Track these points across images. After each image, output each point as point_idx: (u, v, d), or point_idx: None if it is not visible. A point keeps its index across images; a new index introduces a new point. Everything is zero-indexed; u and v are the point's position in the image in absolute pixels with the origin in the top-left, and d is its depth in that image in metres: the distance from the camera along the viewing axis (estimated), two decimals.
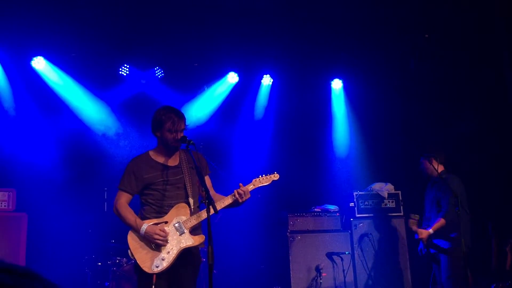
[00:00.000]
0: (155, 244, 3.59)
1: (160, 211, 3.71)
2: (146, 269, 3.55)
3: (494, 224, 6.22)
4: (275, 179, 4.00)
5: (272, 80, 7.59)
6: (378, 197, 6.86)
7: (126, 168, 3.80)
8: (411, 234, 5.96)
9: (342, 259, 6.38)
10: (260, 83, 7.61)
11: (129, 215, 3.68)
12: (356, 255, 6.57)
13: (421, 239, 5.59)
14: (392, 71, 7.48)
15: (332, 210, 6.85)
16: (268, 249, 6.92)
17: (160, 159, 3.81)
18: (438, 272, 5.63)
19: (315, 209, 6.87)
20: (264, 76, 7.55)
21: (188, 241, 3.66)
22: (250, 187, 3.87)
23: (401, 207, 6.77)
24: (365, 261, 6.59)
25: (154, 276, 3.53)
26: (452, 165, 5.91)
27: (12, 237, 5.54)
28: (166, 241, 3.60)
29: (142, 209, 3.78)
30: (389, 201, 6.88)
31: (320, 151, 7.72)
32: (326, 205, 6.94)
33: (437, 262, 5.62)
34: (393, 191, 6.89)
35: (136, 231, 3.62)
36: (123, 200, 3.73)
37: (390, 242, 6.13)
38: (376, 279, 6.54)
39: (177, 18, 6.32)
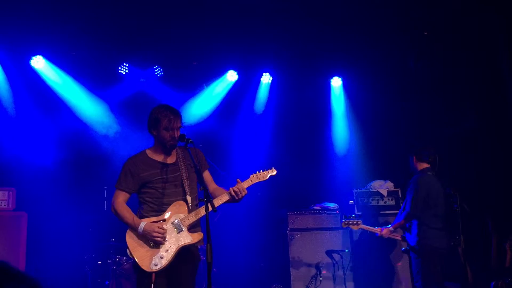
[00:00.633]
0: (154, 242, 3.59)
1: (158, 209, 3.70)
2: (144, 268, 3.55)
3: (494, 222, 6.22)
4: (273, 174, 4.00)
5: (271, 78, 7.59)
6: (378, 195, 6.87)
7: (123, 167, 3.80)
8: None
9: (341, 257, 6.40)
10: (259, 81, 7.61)
11: (127, 214, 3.68)
12: (355, 253, 6.58)
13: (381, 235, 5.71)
14: (392, 69, 7.47)
15: (331, 208, 6.85)
16: (268, 247, 6.93)
17: (157, 157, 3.81)
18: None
19: (315, 207, 6.87)
20: (264, 74, 7.55)
21: (187, 238, 3.66)
22: (248, 183, 3.87)
23: (401, 205, 6.76)
24: (365, 258, 6.59)
25: (153, 274, 3.53)
26: (452, 163, 5.92)
27: (12, 236, 5.55)
28: (165, 239, 3.60)
29: (140, 208, 3.78)
30: (388, 199, 6.88)
31: (320, 149, 7.72)
32: (326, 203, 6.95)
33: (410, 258, 5.68)
34: (392, 189, 6.90)
35: (134, 229, 3.62)
36: (121, 199, 3.73)
37: (390, 239, 6.11)
38: (375, 276, 6.54)
39: (176, 16, 6.31)
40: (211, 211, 3.36)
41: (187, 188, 3.74)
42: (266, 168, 4.07)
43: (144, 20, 6.31)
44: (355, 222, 5.84)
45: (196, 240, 3.70)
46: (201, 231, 3.75)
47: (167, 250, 3.59)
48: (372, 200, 6.87)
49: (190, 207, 3.72)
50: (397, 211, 6.68)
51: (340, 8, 6.31)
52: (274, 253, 6.83)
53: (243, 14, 6.37)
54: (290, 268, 6.37)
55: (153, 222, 3.63)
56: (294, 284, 6.34)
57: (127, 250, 3.62)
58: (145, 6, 6.12)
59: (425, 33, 6.88)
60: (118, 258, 5.73)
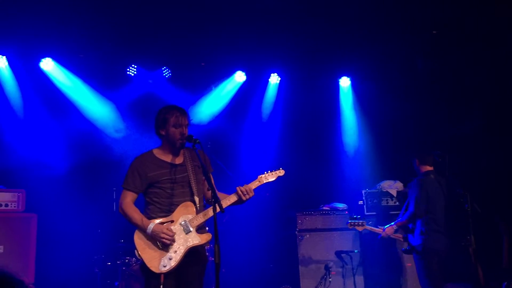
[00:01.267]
0: (162, 243, 3.58)
1: (166, 210, 3.69)
2: (153, 269, 3.54)
3: (505, 222, 6.17)
4: (281, 175, 3.99)
5: (279, 78, 7.58)
6: (387, 195, 6.83)
7: (130, 167, 3.79)
8: None
9: (351, 258, 6.36)
10: (267, 81, 7.60)
11: (135, 215, 3.67)
12: (365, 254, 6.54)
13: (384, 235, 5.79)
14: (400, 69, 7.43)
15: (340, 209, 6.83)
16: (277, 247, 6.91)
17: (165, 157, 3.81)
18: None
19: (324, 208, 6.85)
20: (272, 74, 7.54)
21: (195, 239, 3.66)
22: (256, 183, 3.87)
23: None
24: (375, 259, 6.56)
25: (162, 275, 3.52)
26: (461, 162, 5.89)
27: (22, 237, 5.58)
28: (173, 240, 3.59)
29: (147, 208, 3.76)
30: (398, 199, 6.84)
31: (328, 149, 7.69)
32: (335, 203, 6.92)
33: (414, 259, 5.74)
34: (402, 189, 6.85)
35: (143, 230, 3.61)
36: (129, 199, 3.72)
37: (400, 240, 6.07)
38: (385, 277, 6.50)
39: (184, 18, 6.32)
40: (219, 212, 3.36)
41: (194, 189, 3.74)
42: (275, 168, 4.06)
43: (152, 22, 6.33)
44: (359, 223, 5.88)
45: (204, 241, 3.69)
46: (209, 232, 3.74)
47: (175, 251, 3.59)
48: (382, 200, 6.83)
49: (198, 208, 3.72)
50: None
51: (348, 7, 6.29)
52: (283, 253, 6.81)
53: (251, 14, 6.36)
54: (299, 269, 6.36)
55: (162, 223, 3.63)
56: (303, 285, 6.32)
57: (135, 251, 3.62)
58: (153, 8, 6.13)
59: (434, 32, 6.83)
60: (127, 259, 5.74)
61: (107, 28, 6.28)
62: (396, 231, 5.84)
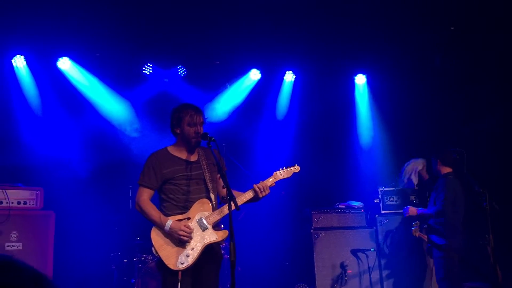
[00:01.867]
0: (180, 240, 3.59)
1: (182, 207, 3.70)
2: (171, 266, 3.55)
3: None
4: (296, 171, 3.97)
5: (294, 76, 7.55)
6: (403, 193, 6.76)
7: (146, 164, 3.81)
8: None
9: (367, 256, 6.32)
10: (282, 79, 7.58)
11: (153, 212, 3.68)
12: (381, 252, 6.49)
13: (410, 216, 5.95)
14: (417, 66, 7.35)
15: (356, 207, 6.78)
16: (292, 246, 6.89)
17: (180, 154, 3.82)
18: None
19: (339, 206, 6.81)
20: (287, 72, 7.52)
21: (212, 236, 3.66)
22: (271, 180, 3.86)
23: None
24: (391, 258, 6.50)
25: (180, 272, 3.53)
26: (478, 160, 5.82)
27: (41, 235, 5.64)
28: (191, 237, 3.60)
29: (162, 206, 3.77)
30: (414, 197, 6.77)
31: (344, 147, 7.65)
32: (350, 201, 6.88)
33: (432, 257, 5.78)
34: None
35: (160, 227, 3.63)
36: (145, 196, 3.73)
37: (416, 238, 6.02)
38: (402, 276, 6.45)
39: (199, 16, 6.33)
40: (234, 209, 3.36)
41: (209, 186, 3.75)
42: (289, 166, 4.05)
43: (168, 21, 6.35)
44: (417, 229, 5.89)
45: (221, 238, 3.70)
46: (225, 229, 3.74)
47: (193, 249, 3.59)
48: (398, 198, 6.77)
49: (214, 205, 3.73)
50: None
51: (364, 3, 6.24)
52: (299, 252, 6.79)
53: (265, 12, 6.34)
54: (315, 267, 6.33)
55: (179, 220, 3.64)
56: (319, 283, 6.29)
57: (152, 248, 3.63)
58: (168, 7, 6.15)
59: (451, 28, 6.74)
60: (144, 256, 5.78)
61: (123, 27, 6.32)
62: (420, 230, 5.84)
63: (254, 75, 7.41)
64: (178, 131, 3.80)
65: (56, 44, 6.45)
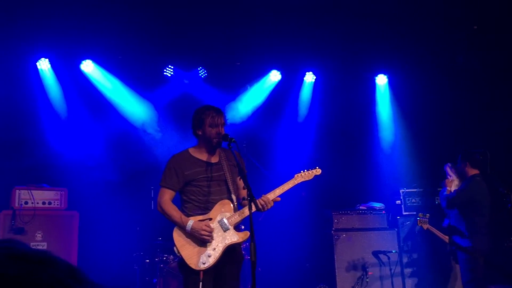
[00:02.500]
0: (201, 240, 3.62)
1: (204, 208, 3.74)
2: (192, 266, 3.58)
3: None
4: (317, 173, 3.99)
5: (315, 77, 7.53)
6: (425, 195, 6.68)
7: (167, 165, 3.85)
8: None
9: (389, 258, 6.26)
10: (302, 80, 7.56)
11: (174, 212, 3.72)
12: (403, 254, 6.43)
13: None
14: (439, 65, 7.25)
15: (377, 208, 6.73)
16: (313, 247, 6.87)
17: (201, 156, 3.85)
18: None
19: (360, 207, 6.77)
20: (307, 73, 7.50)
21: (233, 237, 3.68)
22: (292, 182, 3.88)
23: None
24: (413, 260, 6.44)
25: (201, 272, 3.56)
26: (500, 160, 5.71)
27: (65, 234, 5.75)
28: (212, 238, 3.63)
29: (183, 206, 3.81)
30: (437, 199, 6.68)
31: (365, 148, 7.60)
32: (371, 202, 6.83)
33: (457, 261, 5.65)
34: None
35: (182, 228, 3.66)
36: (167, 197, 3.78)
37: (439, 240, 5.94)
38: (425, 278, 6.37)
39: (219, 18, 6.37)
40: (255, 210, 3.37)
41: (231, 187, 3.77)
42: (311, 167, 4.06)
43: (188, 23, 6.41)
44: (425, 221, 5.85)
45: (242, 239, 3.72)
46: (246, 230, 3.76)
47: (214, 249, 3.62)
48: (420, 200, 6.70)
49: (235, 206, 3.75)
50: (446, 212, 6.51)
51: (384, 2, 6.19)
52: (319, 253, 6.77)
53: (285, 13, 6.35)
54: (336, 269, 6.30)
55: (200, 220, 3.67)
56: (340, 285, 6.26)
57: (174, 248, 3.67)
58: (189, 9, 6.21)
59: (474, 27, 6.64)
60: (165, 256, 5.83)
61: (145, 30, 6.40)
62: (444, 231, 5.76)
63: (274, 76, 7.42)
64: (199, 133, 3.84)
65: (79, 47, 6.56)
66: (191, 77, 7.24)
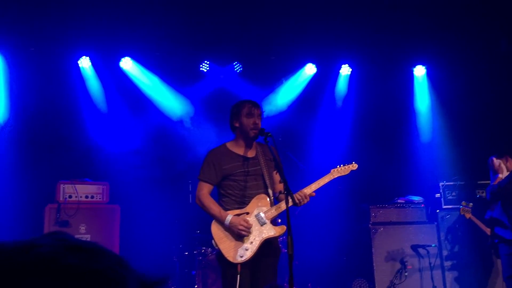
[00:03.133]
0: (239, 234, 3.69)
1: (241, 202, 3.79)
2: (230, 259, 3.64)
3: None
4: (354, 169, 3.98)
5: (351, 69, 7.46)
6: (466, 188, 6.54)
7: (205, 160, 3.91)
8: None
9: (428, 252, 6.17)
10: (338, 73, 7.50)
11: (213, 206, 3.78)
12: (443, 248, 6.32)
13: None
14: (480, 53, 7.02)
15: (416, 201, 6.63)
16: (350, 241, 6.84)
17: (238, 150, 3.90)
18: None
19: (398, 200, 6.68)
20: (343, 66, 7.43)
21: (270, 231, 3.73)
22: (329, 177, 3.89)
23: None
24: (453, 254, 6.32)
25: (239, 265, 3.62)
26: None
27: (107, 227, 5.92)
28: (250, 232, 3.69)
29: (221, 200, 3.87)
30: (479, 191, 6.53)
31: (403, 141, 7.47)
32: (410, 196, 6.73)
33: (498, 255, 5.44)
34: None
35: (220, 221, 3.73)
36: (206, 190, 3.84)
37: (480, 234, 5.82)
38: (465, 273, 6.25)
39: (253, 13, 6.40)
40: (292, 205, 3.40)
41: (267, 182, 3.81)
42: (347, 161, 4.05)
43: (223, 17, 6.46)
44: (468, 210, 5.76)
45: (279, 233, 3.75)
46: (283, 224, 3.79)
47: (251, 242, 3.67)
48: (460, 193, 6.56)
49: (271, 200, 3.79)
50: (490, 205, 6.34)
51: None
52: (357, 247, 6.73)
53: (320, 5, 6.31)
54: (373, 262, 6.26)
55: (238, 215, 3.73)
56: (378, 279, 6.21)
57: (213, 241, 3.74)
58: (223, 4, 6.26)
59: None
60: (204, 249, 5.93)
61: (181, 26, 6.49)
62: (486, 224, 5.63)
63: (310, 69, 7.39)
64: (236, 125, 3.87)
65: (118, 45, 6.72)
66: (226, 72, 7.30)
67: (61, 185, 5.86)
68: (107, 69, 6.88)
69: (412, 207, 6.58)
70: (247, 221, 3.67)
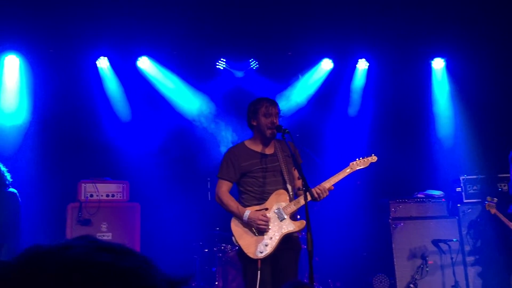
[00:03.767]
0: (258, 230, 3.70)
1: (260, 198, 3.81)
2: (250, 255, 3.67)
3: None
4: (373, 161, 3.96)
5: (368, 64, 7.40)
6: (487, 182, 6.45)
7: (224, 158, 3.95)
8: None
9: (449, 247, 6.11)
10: (355, 67, 7.45)
11: (232, 203, 3.82)
12: (465, 243, 6.25)
13: None
14: (504, 44, 6.86)
15: (437, 196, 6.56)
16: (369, 236, 6.81)
17: (256, 148, 3.92)
18: None
19: (418, 195, 6.62)
20: (360, 60, 7.38)
21: (290, 226, 3.74)
22: (347, 170, 3.88)
23: None
24: (475, 249, 6.24)
25: (259, 261, 3.65)
26: None
27: (128, 225, 5.99)
28: (268, 227, 3.70)
29: (240, 197, 3.91)
30: (501, 185, 6.43)
31: (422, 134, 7.40)
32: (430, 190, 6.66)
33: None
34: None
35: (239, 218, 3.76)
36: (224, 188, 3.88)
37: (502, 228, 5.73)
38: (487, 268, 6.17)
39: (268, 8, 6.39)
40: (310, 200, 3.40)
41: (286, 177, 3.82)
42: (366, 155, 4.03)
43: (238, 14, 6.47)
44: (493, 205, 5.67)
45: (298, 228, 3.76)
46: (302, 219, 3.80)
47: (271, 238, 3.69)
48: (482, 187, 6.46)
49: (290, 196, 3.80)
50: None
51: None
52: (376, 242, 6.70)
53: None
54: (394, 258, 6.22)
55: (257, 210, 3.75)
56: (399, 274, 6.17)
57: (233, 237, 3.77)
58: (238, 1, 6.27)
59: None
60: (223, 246, 5.96)
61: (197, 24, 6.52)
62: (509, 218, 5.54)
63: (327, 64, 7.36)
64: (254, 123, 3.90)
65: (135, 45, 6.79)
66: (243, 69, 7.31)
67: (83, 184, 5.94)
68: (124, 69, 6.95)
69: (432, 202, 6.52)
70: (265, 216, 3.69)
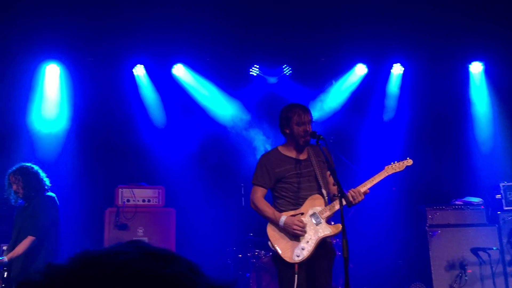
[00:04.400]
0: (294, 234, 3.70)
1: (295, 203, 3.82)
2: (287, 259, 3.67)
3: None
4: (409, 164, 3.91)
5: (403, 68, 7.30)
6: None
7: (258, 164, 3.97)
8: None
9: (489, 255, 5.93)
10: (390, 72, 7.36)
11: (267, 208, 3.84)
12: (505, 251, 6.05)
13: None
14: None
15: (475, 203, 6.39)
16: (406, 243, 6.69)
17: (290, 153, 3.92)
18: None
19: (456, 202, 6.47)
20: (394, 65, 7.29)
21: (326, 230, 3.72)
22: (383, 174, 3.84)
23: None
24: None
25: (296, 265, 3.64)
26: None
27: (163, 230, 6.08)
28: (305, 232, 3.70)
29: (276, 202, 3.92)
30: None
31: (459, 140, 7.23)
32: (468, 197, 6.50)
33: None
34: None
35: (275, 223, 3.76)
36: (259, 194, 3.90)
37: None
38: None
39: (301, 14, 6.40)
40: (345, 206, 3.38)
41: (321, 182, 3.81)
42: (402, 160, 3.98)
43: (271, 20, 6.50)
44: None
45: (335, 232, 3.74)
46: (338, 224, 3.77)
47: (307, 242, 3.69)
48: None
49: (325, 200, 3.79)
50: None
51: None
52: (413, 250, 6.57)
53: (369, 3, 6.22)
54: (431, 266, 6.08)
55: (292, 215, 3.75)
56: (436, 283, 6.03)
57: (269, 242, 3.78)
58: (271, 8, 6.30)
59: None
60: (257, 252, 5.96)
61: (230, 31, 6.58)
62: None
63: (360, 69, 7.30)
64: (287, 131, 3.91)
65: (170, 52, 6.91)
66: (276, 75, 7.33)
67: (120, 190, 6.07)
68: (160, 76, 7.08)
69: (471, 209, 6.35)
70: (301, 221, 3.69)
